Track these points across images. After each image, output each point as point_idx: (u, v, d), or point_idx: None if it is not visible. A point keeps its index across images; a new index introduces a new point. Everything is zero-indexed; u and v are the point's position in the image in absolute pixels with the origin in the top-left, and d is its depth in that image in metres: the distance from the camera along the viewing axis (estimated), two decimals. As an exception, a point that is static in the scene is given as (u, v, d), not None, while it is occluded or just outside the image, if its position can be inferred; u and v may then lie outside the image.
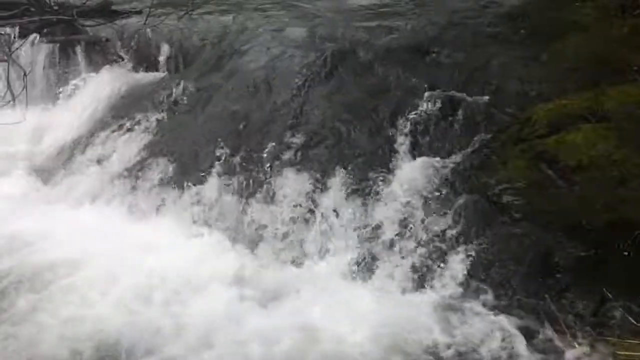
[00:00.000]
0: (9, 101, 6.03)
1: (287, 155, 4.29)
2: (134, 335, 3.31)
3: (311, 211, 4.00)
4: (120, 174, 4.77)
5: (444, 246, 3.64)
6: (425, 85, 4.39)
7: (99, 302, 3.59)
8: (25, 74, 5.95)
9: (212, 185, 4.37)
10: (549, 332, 3.20)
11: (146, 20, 6.15)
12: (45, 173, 5.17)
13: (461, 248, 3.60)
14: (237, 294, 3.61)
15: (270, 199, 4.13)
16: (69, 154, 5.20)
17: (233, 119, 4.71)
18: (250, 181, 4.26)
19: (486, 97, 4.23)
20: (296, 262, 3.89)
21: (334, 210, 3.97)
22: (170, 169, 4.59)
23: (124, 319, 3.45)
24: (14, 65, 6.01)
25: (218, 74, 5.21)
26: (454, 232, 3.66)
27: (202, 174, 4.44)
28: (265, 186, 4.19)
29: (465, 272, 3.52)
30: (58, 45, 6.19)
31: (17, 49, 6.17)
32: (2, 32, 6.36)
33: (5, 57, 6.09)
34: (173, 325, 3.40)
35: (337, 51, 4.83)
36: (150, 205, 4.48)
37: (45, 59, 6.16)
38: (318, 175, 4.12)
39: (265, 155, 4.35)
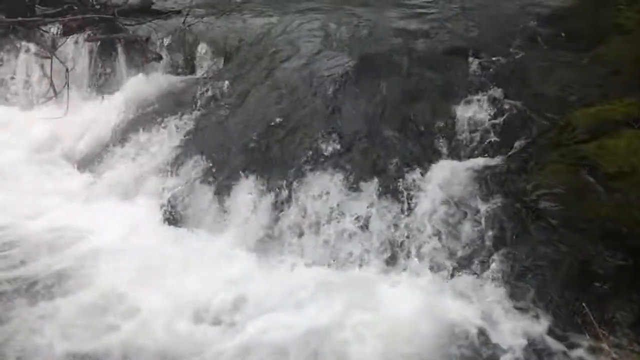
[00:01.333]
0: (51, 97, 6.18)
1: (322, 157, 4.30)
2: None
3: (345, 213, 4.01)
4: (157, 172, 4.82)
5: (480, 250, 3.63)
6: (464, 89, 4.37)
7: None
8: (67, 71, 6.10)
9: (246, 185, 4.39)
10: (585, 341, 3.18)
11: (185, 19, 6.23)
12: (85, 168, 5.27)
13: (498, 253, 3.58)
14: (278, 296, 3.68)
15: (305, 200, 4.14)
16: (108, 149, 5.28)
17: (269, 120, 4.72)
18: (285, 183, 4.27)
19: (525, 101, 4.20)
20: (332, 265, 3.90)
21: (369, 213, 3.96)
22: (206, 168, 4.62)
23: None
24: (56, 62, 6.15)
25: (255, 75, 5.23)
26: (490, 236, 3.64)
27: (238, 174, 4.46)
28: (299, 188, 4.20)
29: (502, 277, 3.51)
30: (99, 43, 6.31)
31: (59, 46, 6.33)
32: (46, 30, 6.54)
33: (49, 54, 6.25)
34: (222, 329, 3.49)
35: (376, 54, 4.83)
36: (181, 204, 4.53)
37: (87, 56, 6.29)
38: (353, 177, 4.12)
39: (300, 156, 4.36)
